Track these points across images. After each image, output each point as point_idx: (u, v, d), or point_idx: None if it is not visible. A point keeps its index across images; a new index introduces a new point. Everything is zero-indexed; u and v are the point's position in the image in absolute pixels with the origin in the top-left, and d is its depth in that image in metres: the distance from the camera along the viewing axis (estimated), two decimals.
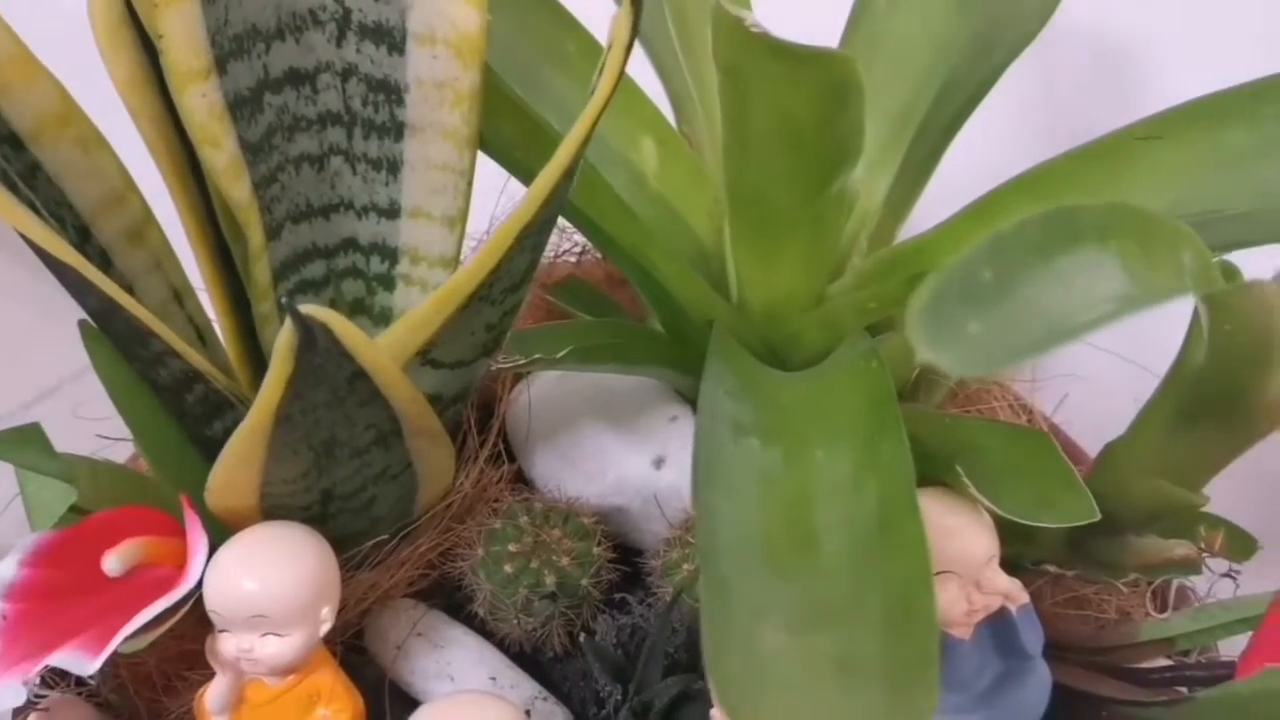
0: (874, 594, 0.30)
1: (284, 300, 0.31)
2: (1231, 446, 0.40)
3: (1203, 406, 0.39)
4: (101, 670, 0.46)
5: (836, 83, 0.36)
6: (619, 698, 0.43)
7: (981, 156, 0.60)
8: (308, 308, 0.32)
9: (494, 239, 0.36)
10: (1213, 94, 0.40)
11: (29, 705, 0.43)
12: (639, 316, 0.57)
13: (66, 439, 0.45)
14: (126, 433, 0.52)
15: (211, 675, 0.41)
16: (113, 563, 0.40)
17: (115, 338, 0.41)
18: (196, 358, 0.40)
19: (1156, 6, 0.68)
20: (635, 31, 0.35)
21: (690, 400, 0.51)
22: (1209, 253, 0.32)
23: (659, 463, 0.48)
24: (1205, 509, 0.45)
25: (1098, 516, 0.39)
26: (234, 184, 0.40)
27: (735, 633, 0.29)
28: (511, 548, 0.45)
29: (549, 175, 0.35)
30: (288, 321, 0.32)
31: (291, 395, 0.35)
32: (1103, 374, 0.55)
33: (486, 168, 0.46)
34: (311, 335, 0.33)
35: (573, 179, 0.37)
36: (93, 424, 0.49)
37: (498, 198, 0.55)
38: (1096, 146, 0.43)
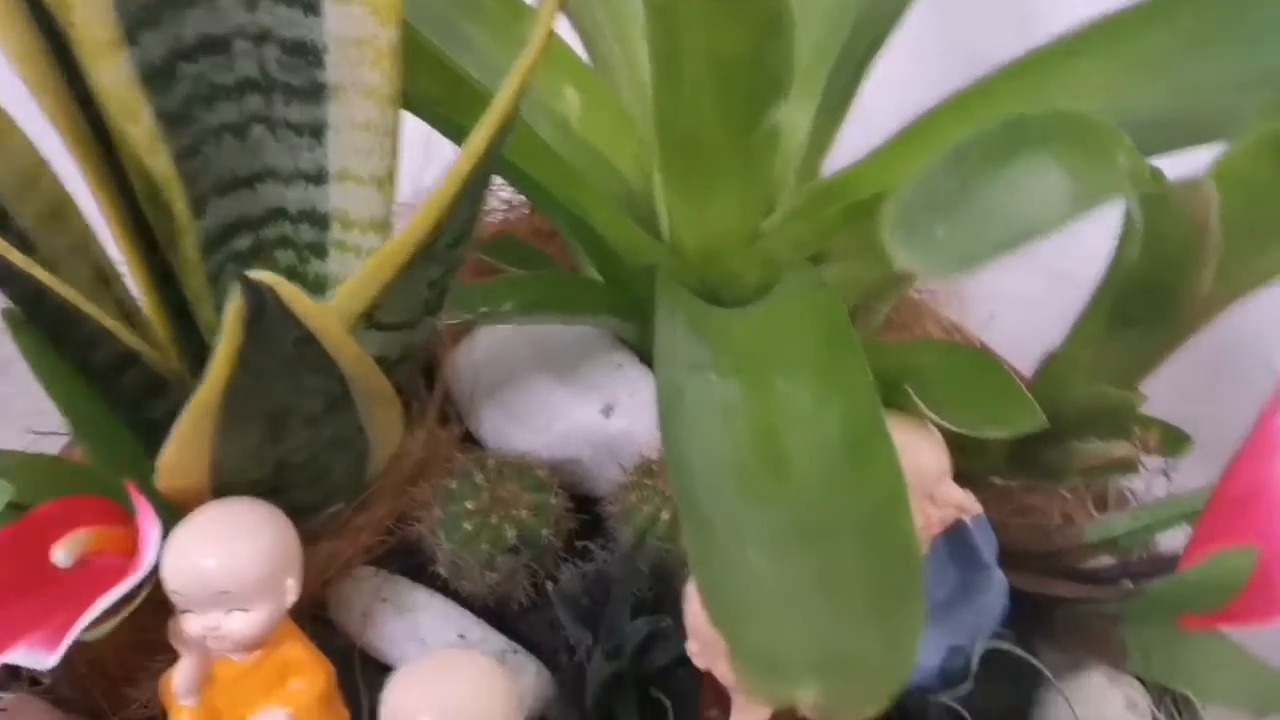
0: (849, 512, 0.31)
1: (233, 267, 0.30)
2: (1166, 344, 0.42)
3: (1138, 307, 0.40)
4: (56, 667, 0.45)
5: (768, 15, 0.36)
6: (589, 643, 0.43)
7: (891, 89, 0.60)
8: (255, 273, 0.32)
9: (436, 194, 0.36)
10: (1125, 7, 0.41)
11: None
12: (570, 268, 0.57)
13: None
14: (54, 426, 0.50)
15: (172, 660, 0.41)
16: (62, 555, 0.39)
17: (44, 324, 0.40)
18: (132, 338, 0.39)
19: None
20: None
21: (633, 347, 0.51)
22: (1139, 154, 0.33)
23: (608, 410, 0.49)
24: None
25: (1044, 423, 0.40)
26: (154, 157, 0.39)
27: (720, 560, 0.29)
28: (469, 505, 0.44)
29: (488, 125, 0.35)
30: (236, 291, 0.31)
31: (242, 366, 0.34)
32: (1026, 290, 0.56)
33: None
34: (261, 302, 0.32)
35: (511, 129, 0.37)
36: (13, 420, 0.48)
37: (421, 158, 0.54)
38: (1016, 65, 0.44)
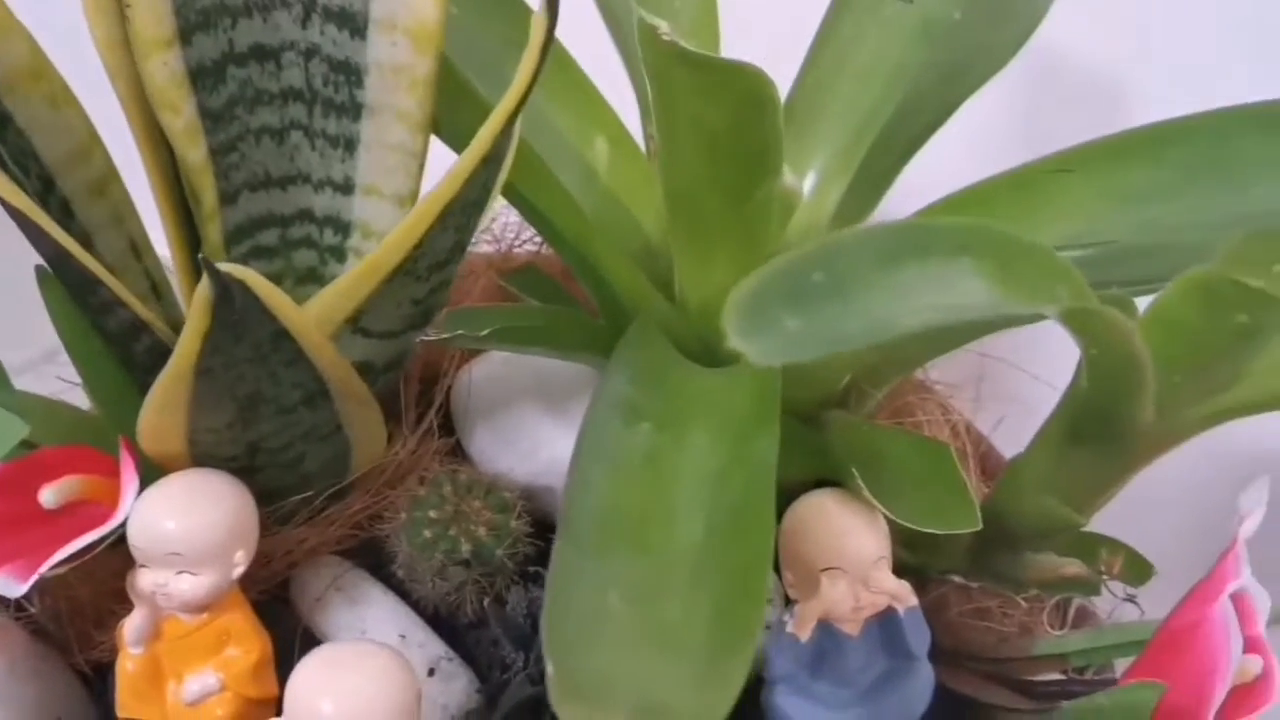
0: (716, 575, 0.32)
1: (200, 256, 0.33)
2: (1116, 470, 0.42)
3: (1086, 428, 0.40)
4: (41, 599, 0.48)
5: (750, 94, 0.38)
6: (521, 665, 0.45)
7: (946, 174, 0.61)
8: (226, 266, 0.35)
9: (413, 217, 0.38)
10: (1122, 131, 0.42)
11: None
12: (594, 311, 0.59)
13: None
14: None
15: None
16: (49, 495, 0.43)
17: (68, 284, 0.43)
18: (142, 309, 0.42)
19: (1128, 34, 0.69)
20: (551, 33, 0.37)
21: None
22: (1083, 282, 0.34)
23: None
24: (1105, 533, 0.47)
25: (978, 526, 0.40)
26: (190, 148, 0.43)
27: (580, 595, 0.31)
28: (432, 514, 0.47)
29: (468, 159, 0.38)
30: (204, 276, 0.34)
31: (209, 348, 0.37)
32: (1037, 399, 0.56)
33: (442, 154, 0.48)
34: (228, 292, 0.35)
35: (497, 164, 0.39)
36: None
37: None
38: (1011, 176, 0.45)
